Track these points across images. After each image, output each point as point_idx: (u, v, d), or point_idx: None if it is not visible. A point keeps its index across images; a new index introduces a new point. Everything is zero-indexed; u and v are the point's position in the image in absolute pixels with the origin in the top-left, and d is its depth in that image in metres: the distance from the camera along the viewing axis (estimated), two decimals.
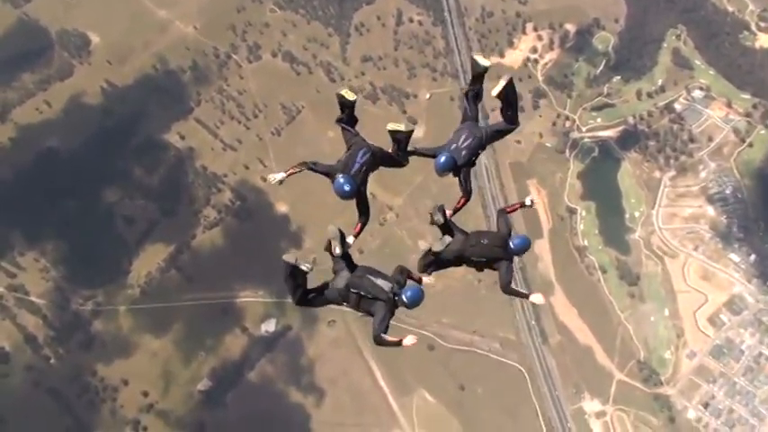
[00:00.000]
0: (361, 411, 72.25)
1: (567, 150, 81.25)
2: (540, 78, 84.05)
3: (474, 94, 10.07)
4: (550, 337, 74.39)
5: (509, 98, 9.83)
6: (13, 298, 73.77)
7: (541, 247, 76.65)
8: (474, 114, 10.04)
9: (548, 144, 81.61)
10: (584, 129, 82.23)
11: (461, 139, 9.71)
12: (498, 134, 10.10)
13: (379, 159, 9.57)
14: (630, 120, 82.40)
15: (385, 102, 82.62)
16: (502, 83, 9.64)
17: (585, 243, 77.41)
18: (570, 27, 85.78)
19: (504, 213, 10.29)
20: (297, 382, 73.59)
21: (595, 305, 74.96)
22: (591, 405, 72.03)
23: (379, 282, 9.17)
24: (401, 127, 9.57)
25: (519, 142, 79.65)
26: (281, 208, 79.12)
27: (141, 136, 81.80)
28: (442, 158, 9.52)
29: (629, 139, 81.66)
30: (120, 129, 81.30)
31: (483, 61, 9.82)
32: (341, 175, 9.11)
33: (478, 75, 9.99)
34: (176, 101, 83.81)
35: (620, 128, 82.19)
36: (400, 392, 72.61)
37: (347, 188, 9.04)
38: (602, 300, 75.15)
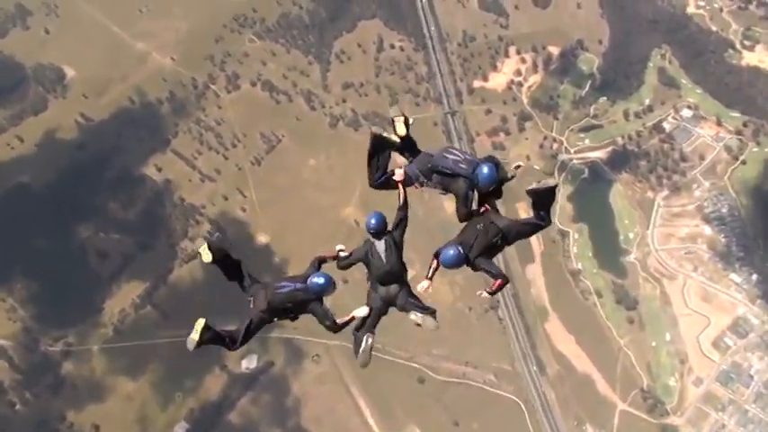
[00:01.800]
0: None
1: (556, 172, 78.97)
2: (525, 101, 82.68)
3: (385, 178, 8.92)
4: (548, 367, 70.74)
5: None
6: None
7: (534, 271, 73.72)
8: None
9: (536, 167, 79.38)
10: (572, 150, 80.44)
11: (453, 155, 8.62)
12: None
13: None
14: (619, 140, 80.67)
15: (367, 128, 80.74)
16: (402, 117, 8.80)
17: (579, 266, 74.39)
18: (553, 49, 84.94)
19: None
20: (281, 424, 69.37)
21: (593, 331, 71.63)
22: None
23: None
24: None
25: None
26: (262, 239, 76.18)
27: (117, 169, 79.31)
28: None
29: (619, 159, 79.77)
30: (96, 162, 78.84)
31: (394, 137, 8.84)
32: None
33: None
34: (153, 133, 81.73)
35: (609, 148, 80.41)
36: (390, 431, 68.29)
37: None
38: (600, 326, 71.82)
